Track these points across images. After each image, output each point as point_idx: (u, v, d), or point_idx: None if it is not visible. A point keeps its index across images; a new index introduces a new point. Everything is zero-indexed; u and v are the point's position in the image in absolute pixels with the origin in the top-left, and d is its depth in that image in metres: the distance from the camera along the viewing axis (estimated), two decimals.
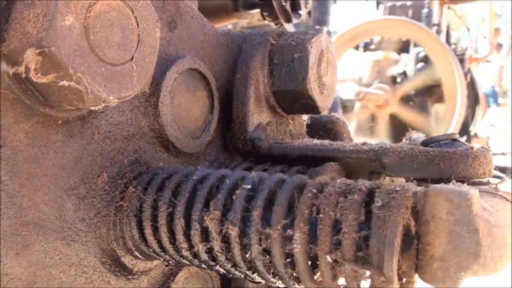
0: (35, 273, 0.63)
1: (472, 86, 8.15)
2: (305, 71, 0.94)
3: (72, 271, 0.68)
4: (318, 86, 0.98)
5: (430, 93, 6.56)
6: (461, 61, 7.25)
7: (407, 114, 6.13)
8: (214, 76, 0.95)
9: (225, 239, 0.62)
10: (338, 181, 0.59)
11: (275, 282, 0.62)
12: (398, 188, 0.54)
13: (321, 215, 0.55)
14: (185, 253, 0.66)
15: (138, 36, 0.62)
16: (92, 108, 0.57)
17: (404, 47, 7.14)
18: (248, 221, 0.60)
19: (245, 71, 0.96)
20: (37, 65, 0.53)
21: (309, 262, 0.58)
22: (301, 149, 0.91)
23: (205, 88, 0.91)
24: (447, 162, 0.77)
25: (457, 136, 0.85)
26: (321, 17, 8.29)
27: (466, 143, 0.83)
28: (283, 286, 0.63)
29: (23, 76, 0.55)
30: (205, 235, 0.64)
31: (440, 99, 6.40)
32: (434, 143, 0.84)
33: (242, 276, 0.66)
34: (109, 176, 0.73)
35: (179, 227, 0.65)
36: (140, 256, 0.74)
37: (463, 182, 0.72)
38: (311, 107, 0.99)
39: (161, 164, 0.82)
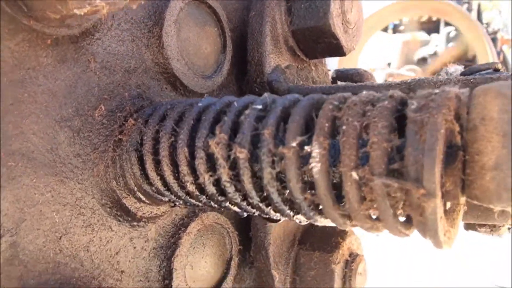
0: (23, 210, 0.56)
1: (505, 67, 7.84)
2: (326, 4, 0.85)
3: (66, 211, 0.61)
4: (342, 23, 0.89)
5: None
6: (493, 40, 6.98)
7: None
8: (227, 16, 0.86)
9: (234, 166, 0.53)
10: (364, 92, 0.50)
11: (293, 215, 0.54)
12: (436, 91, 0.45)
13: (344, 127, 0.46)
14: (191, 187, 0.58)
15: None
16: (76, 11, 0.50)
17: (434, 27, 6.93)
18: (259, 141, 0.51)
19: (260, 8, 0.87)
20: None
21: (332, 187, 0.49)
22: (324, 89, 0.82)
23: (215, 24, 0.82)
24: None
25: (499, 66, 0.75)
26: None
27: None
28: (303, 220, 0.55)
29: None
30: (212, 164, 0.55)
31: None
32: (474, 73, 0.74)
33: (256, 212, 0.57)
34: (108, 109, 0.65)
35: (182, 157, 0.57)
36: (143, 198, 0.66)
37: None
38: (334, 47, 0.90)
39: None
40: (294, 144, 0.48)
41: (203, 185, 0.56)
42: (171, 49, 0.72)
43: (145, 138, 0.61)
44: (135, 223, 0.68)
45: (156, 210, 0.70)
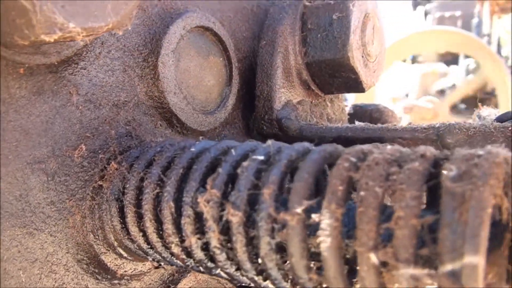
0: None
1: None
2: (345, 35, 0.76)
3: (35, 269, 0.52)
4: (362, 56, 0.80)
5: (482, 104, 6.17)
6: None
7: None
8: (235, 45, 0.78)
9: (226, 230, 0.44)
10: (388, 147, 0.41)
11: None
12: (481, 152, 0.35)
13: (362, 193, 0.37)
14: (176, 249, 0.49)
15: None
16: (45, 37, 0.42)
17: (453, 59, 6.85)
18: (257, 203, 0.42)
19: (271, 37, 0.79)
20: None
21: (345, 265, 0.39)
22: (339, 130, 0.73)
23: (221, 54, 0.74)
24: None
25: None
26: None
27: None
28: None
29: None
30: (201, 225, 0.46)
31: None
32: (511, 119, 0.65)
33: (251, 284, 0.48)
34: (89, 150, 0.57)
35: (167, 213, 0.48)
36: (125, 254, 0.57)
37: None
38: (353, 82, 0.81)
39: None
40: (299, 210, 0.39)
41: (189, 249, 0.47)
42: (167, 81, 0.64)
43: (127, 186, 0.53)
44: (115, 281, 0.59)
45: (141, 267, 0.61)
